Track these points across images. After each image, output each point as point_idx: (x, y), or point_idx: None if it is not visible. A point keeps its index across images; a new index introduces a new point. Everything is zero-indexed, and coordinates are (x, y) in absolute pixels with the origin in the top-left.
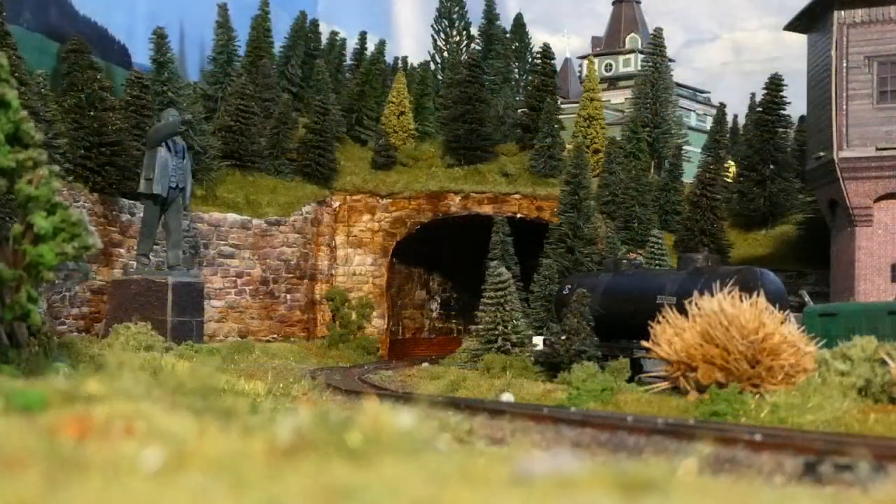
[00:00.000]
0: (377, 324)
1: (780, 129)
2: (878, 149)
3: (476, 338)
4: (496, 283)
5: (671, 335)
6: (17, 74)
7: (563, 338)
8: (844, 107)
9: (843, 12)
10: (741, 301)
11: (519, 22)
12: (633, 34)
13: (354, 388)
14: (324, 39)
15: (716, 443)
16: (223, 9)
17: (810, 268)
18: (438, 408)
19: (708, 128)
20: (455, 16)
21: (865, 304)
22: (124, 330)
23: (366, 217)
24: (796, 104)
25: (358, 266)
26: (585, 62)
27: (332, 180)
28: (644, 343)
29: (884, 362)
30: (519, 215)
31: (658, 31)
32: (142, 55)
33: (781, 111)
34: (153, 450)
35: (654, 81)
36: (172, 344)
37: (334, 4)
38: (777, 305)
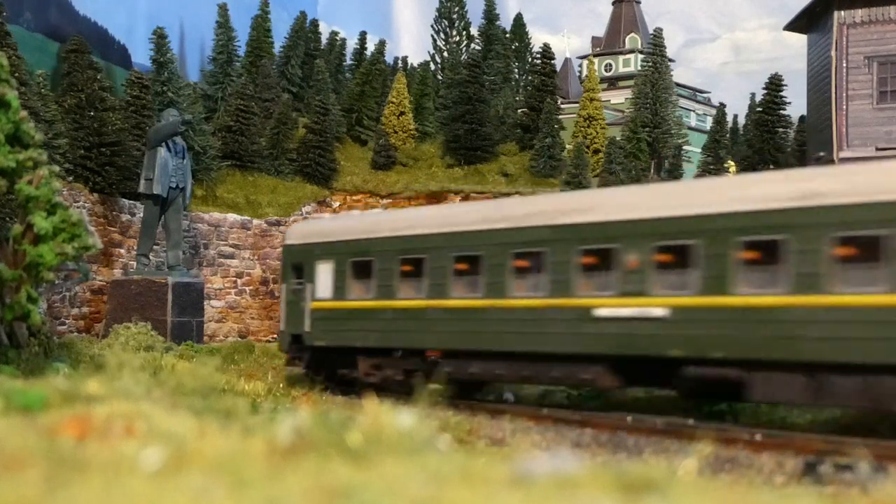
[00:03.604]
0: None
1: (780, 129)
2: (878, 149)
3: None
4: None
5: None
6: (17, 74)
7: None
8: (844, 107)
9: (843, 12)
10: None
11: (519, 22)
12: (633, 34)
13: (354, 387)
14: (324, 39)
15: (716, 443)
16: (223, 9)
17: None
18: (438, 408)
19: (708, 128)
20: (455, 16)
21: None
22: (124, 330)
23: None
24: (796, 104)
25: None
26: (585, 62)
27: (332, 180)
28: None
29: None
30: None
31: (658, 31)
32: (142, 55)
33: (781, 111)
34: (153, 450)
35: (654, 81)
36: (172, 344)
37: (334, 4)
38: None
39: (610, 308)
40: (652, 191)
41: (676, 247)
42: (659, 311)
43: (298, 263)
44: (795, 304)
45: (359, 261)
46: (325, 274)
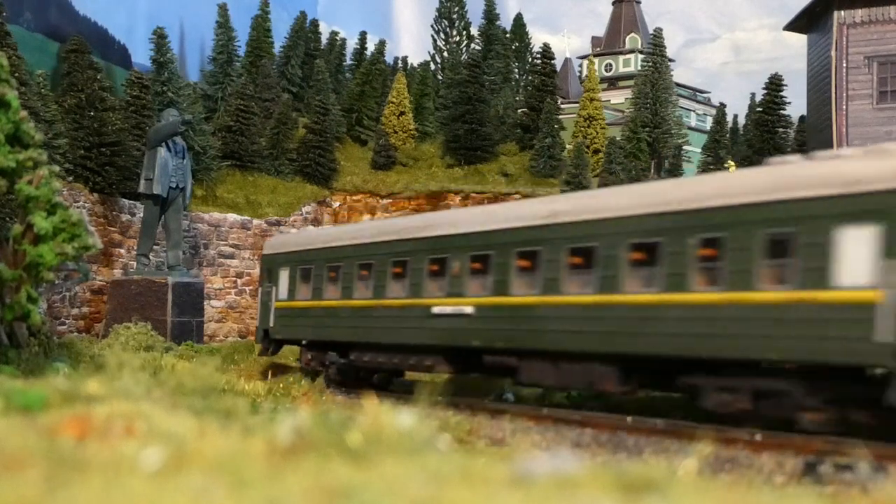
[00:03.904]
0: None
1: (780, 129)
2: None
3: None
4: None
5: None
6: (17, 74)
7: None
8: (844, 107)
9: (843, 12)
10: None
11: (519, 22)
12: (633, 34)
13: (354, 387)
14: (324, 39)
15: (716, 443)
16: (223, 9)
17: None
18: (438, 408)
19: (708, 128)
20: (455, 16)
21: None
22: (124, 330)
23: (366, 217)
24: (796, 104)
25: None
26: (585, 62)
27: (332, 180)
28: None
29: None
30: None
31: (658, 31)
32: (142, 55)
33: (781, 111)
34: (153, 450)
35: (654, 81)
36: (172, 344)
37: (334, 4)
38: None
39: (441, 307)
40: (471, 211)
41: (480, 256)
42: (468, 309)
43: (269, 270)
44: (543, 303)
45: (304, 268)
46: (284, 279)
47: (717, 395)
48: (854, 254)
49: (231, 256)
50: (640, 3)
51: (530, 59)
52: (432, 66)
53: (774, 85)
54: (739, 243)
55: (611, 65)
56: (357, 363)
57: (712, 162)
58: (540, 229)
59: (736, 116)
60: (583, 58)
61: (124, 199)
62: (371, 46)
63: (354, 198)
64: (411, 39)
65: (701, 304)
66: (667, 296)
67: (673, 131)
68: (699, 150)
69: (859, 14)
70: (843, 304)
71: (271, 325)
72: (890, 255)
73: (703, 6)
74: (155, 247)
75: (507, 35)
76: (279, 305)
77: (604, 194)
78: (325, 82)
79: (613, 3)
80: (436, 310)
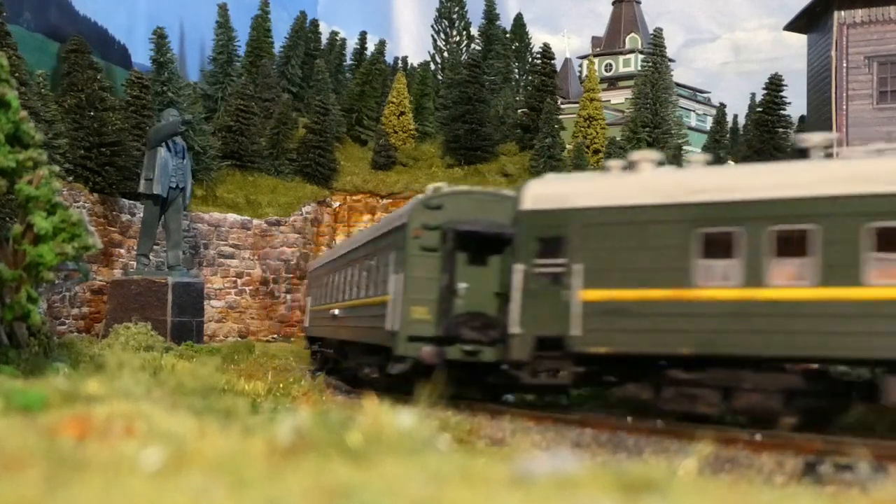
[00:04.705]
0: None
1: (780, 129)
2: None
3: None
4: None
5: None
6: (17, 74)
7: None
8: (844, 107)
9: (843, 12)
10: None
11: (519, 22)
12: (633, 34)
13: (354, 387)
14: (324, 39)
15: (716, 443)
16: (223, 9)
17: None
18: (438, 408)
19: (708, 128)
20: (455, 16)
21: None
22: (124, 330)
23: (366, 217)
24: (796, 104)
25: None
26: (585, 62)
27: (332, 180)
28: None
29: None
30: None
31: (658, 31)
32: (142, 55)
33: (781, 111)
34: (153, 450)
35: (654, 81)
36: (172, 344)
37: (334, 4)
38: None
39: (333, 310)
40: (350, 239)
41: (342, 271)
42: (337, 311)
43: (308, 281)
44: (359, 305)
45: (316, 280)
46: (311, 288)
47: (366, 370)
48: (392, 270)
49: (231, 256)
50: (640, 3)
51: (530, 59)
52: (432, 66)
53: (774, 85)
54: (378, 258)
55: (611, 65)
56: (322, 354)
57: (712, 162)
58: (369, 245)
59: (736, 116)
60: (583, 58)
61: (124, 199)
62: (371, 46)
63: (354, 198)
64: (411, 39)
65: (368, 305)
66: (371, 299)
67: (673, 131)
68: (699, 151)
69: (859, 14)
70: (381, 304)
71: (306, 324)
72: (395, 271)
73: (703, 6)
74: (155, 247)
75: (507, 35)
76: (310, 308)
77: (386, 218)
78: (325, 82)
79: (613, 3)
80: (333, 311)
